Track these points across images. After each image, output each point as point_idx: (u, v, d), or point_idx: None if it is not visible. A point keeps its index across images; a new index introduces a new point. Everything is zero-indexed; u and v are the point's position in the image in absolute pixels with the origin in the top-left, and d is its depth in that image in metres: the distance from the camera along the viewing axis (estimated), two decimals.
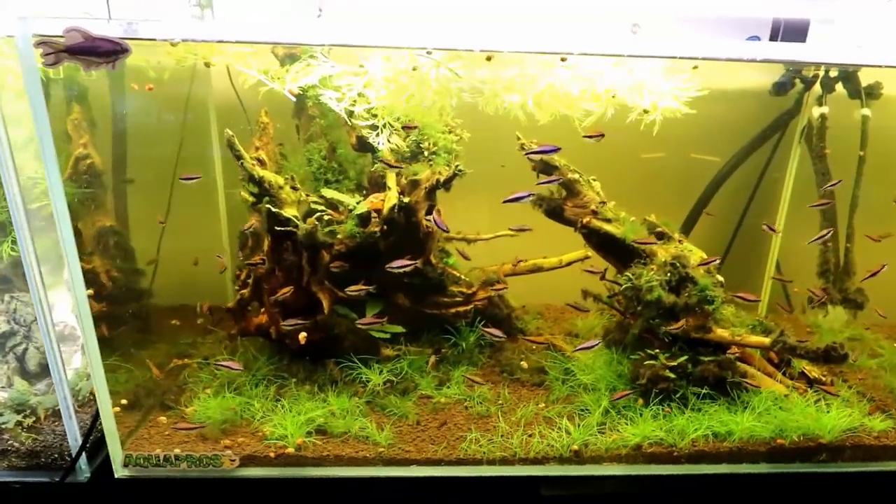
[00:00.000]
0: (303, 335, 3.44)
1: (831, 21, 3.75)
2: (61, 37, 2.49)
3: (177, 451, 3.22)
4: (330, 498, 3.31)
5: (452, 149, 3.76)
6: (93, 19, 2.98)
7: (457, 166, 3.68)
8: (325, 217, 3.56)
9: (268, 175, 3.43)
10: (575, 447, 3.29)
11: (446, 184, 3.74)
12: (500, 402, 3.64)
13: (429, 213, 3.79)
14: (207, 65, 3.84)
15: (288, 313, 3.64)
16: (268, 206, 3.36)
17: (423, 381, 3.73)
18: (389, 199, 3.58)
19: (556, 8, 3.57)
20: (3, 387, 3.41)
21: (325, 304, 3.58)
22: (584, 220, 3.72)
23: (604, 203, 3.75)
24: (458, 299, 4.07)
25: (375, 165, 3.70)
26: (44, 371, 3.41)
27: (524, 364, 3.87)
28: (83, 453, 3.22)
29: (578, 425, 3.39)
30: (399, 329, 3.86)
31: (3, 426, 3.22)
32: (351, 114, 3.49)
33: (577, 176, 3.75)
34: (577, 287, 4.12)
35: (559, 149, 3.47)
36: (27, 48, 2.51)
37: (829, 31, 3.73)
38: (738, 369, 3.52)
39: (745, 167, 4.58)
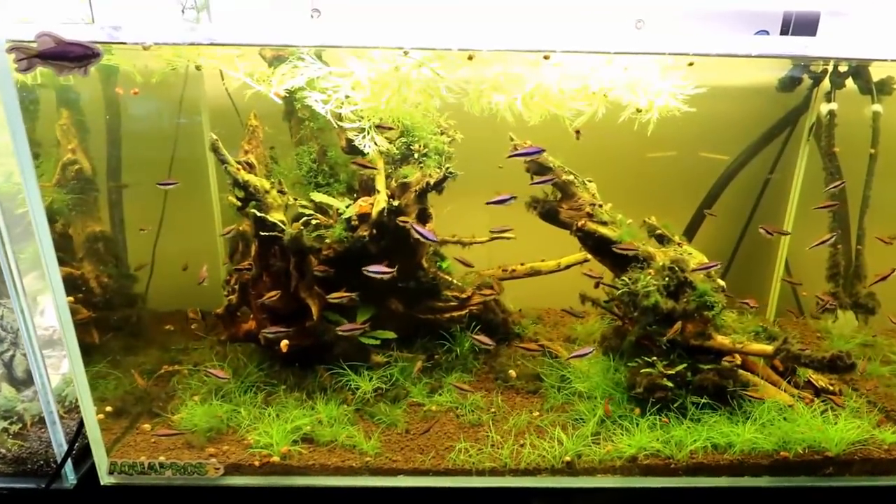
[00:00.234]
0: (284, 343, 3.38)
1: (842, 14, 3.60)
2: (34, 42, 2.46)
3: (162, 458, 3.19)
4: None
5: (444, 150, 3.67)
6: (73, 24, 2.99)
7: (447, 168, 3.59)
8: (313, 221, 3.49)
9: (253, 179, 3.38)
10: (567, 458, 3.18)
11: (437, 186, 3.65)
12: (492, 409, 3.55)
13: (420, 216, 3.72)
14: (198, 67, 3.81)
15: (276, 319, 3.59)
16: (253, 210, 3.31)
17: (414, 389, 3.65)
18: (378, 202, 3.50)
19: (559, 6, 3.50)
20: None
21: (314, 309, 3.52)
22: (580, 223, 3.61)
23: (600, 205, 3.64)
24: (452, 304, 3.99)
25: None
26: (31, 378, 3.39)
27: (512, 373, 3.77)
28: (69, 460, 3.20)
29: (572, 435, 3.28)
30: (390, 335, 3.79)
31: None
32: (339, 116, 3.42)
33: (571, 177, 3.64)
34: (580, 290, 4.00)
35: (543, 150, 3.38)
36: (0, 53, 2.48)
37: (839, 24, 3.59)
38: (740, 378, 3.38)
39: (753, 166, 4.43)
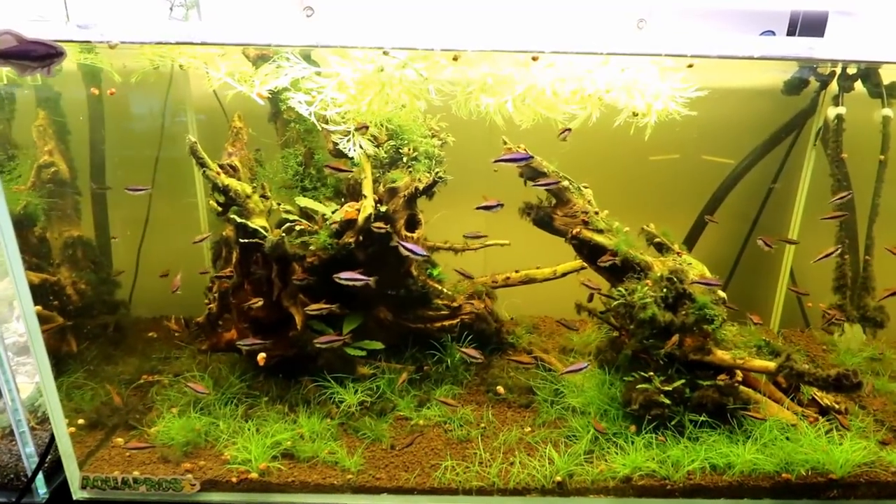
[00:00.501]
0: (261, 356, 3.25)
1: (852, 13, 3.45)
2: None
3: (136, 473, 3.08)
4: None
5: (434, 154, 3.53)
6: (44, 21, 2.88)
7: (437, 173, 3.46)
8: (297, 227, 3.36)
9: (233, 183, 3.25)
10: (559, 478, 3.04)
11: (427, 191, 3.52)
12: (482, 424, 3.41)
13: (409, 222, 3.58)
14: (182, 67, 3.69)
15: (259, 329, 3.47)
16: (233, 216, 3.18)
17: (402, 402, 3.51)
18: (365, 208, 3.37)
19: (561, 3, 3.37)
20: None
21: (298, 319, 3.39)
22: (575, 231, 3.46)
23: (596, 212, 3.49)
24: (443, 313, 3.84)
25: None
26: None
27: (500, 389, 3.62)
28: (40, 474, 3.09)
29: (564, 453, 3.14)
30: (377, 345, 3.66)
31: None
32: (325, 119, 3.28)
33: (566, 183, 3.49)
34: (576, 298, 3.85)
35: (531, 157, 3.24)
36: None
37: (849, 24, 3.45)
38: (741, 395, 3.23)
39: (756, 172, 4.27)
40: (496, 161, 3.20)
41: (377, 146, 3.43)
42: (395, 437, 3.33)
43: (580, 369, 3.24)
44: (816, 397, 3.38)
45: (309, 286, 3.44)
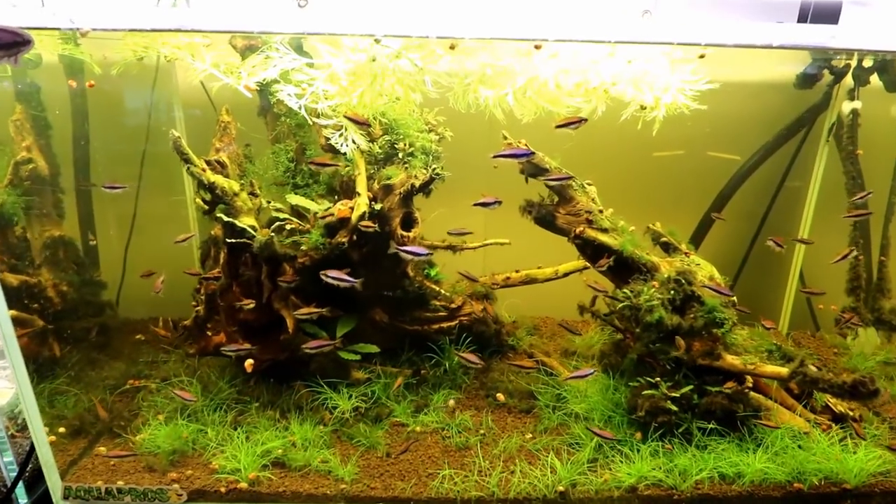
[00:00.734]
0: (249, 362, 3.11)
1: (867, 3, 3.31)
2: None
3: (120, 483, 2.95)
4: None
5: (431, 149, 3.38)
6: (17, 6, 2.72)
7: (434, 169, 3.31)
8: (288, 226, 3.22)
9: (220, 180, 3.10)
10: (561, 487, 2.91)
11: (424, 188, 3.38)
12: (481, 431, 3.28)
13: (405, 220, 3.44)
14: (166, 59, 3.53)
15: (248, 332, 3.33)
16: (220, 214, 3.03)
17: (398, 408, 3.38)
18: (359, 206, 3.22)
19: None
20: None
21: (289, 322, 3.25)
22: (578, 230, 3.31)
23: (600, 210, 3.35)
24: (441, 314, 3.71)
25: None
26: None
27: (500, 396, 3.49)
28: (20, 483, 2.96)
29: (567, 461, 3.01)
30: (373, 349, 3.52)
31: None
32: (316, 113, 3.13)
33: (570, 180, 3.34)
34: (579, 299, 3.71)
35: (531, 153, 3.09)
36: None
37: (864, 14, 3.30)
38: (751, 402, 3.09)
39: (766, 168, 4.12)
40: (495, 157, 3.05)
41: (371, 141, 3.27)
42: (391, 444, 3.20)
43: (586, 376, 3.11)
44: (830, 404, 3.25)
45: (300, 288, 3.30)
